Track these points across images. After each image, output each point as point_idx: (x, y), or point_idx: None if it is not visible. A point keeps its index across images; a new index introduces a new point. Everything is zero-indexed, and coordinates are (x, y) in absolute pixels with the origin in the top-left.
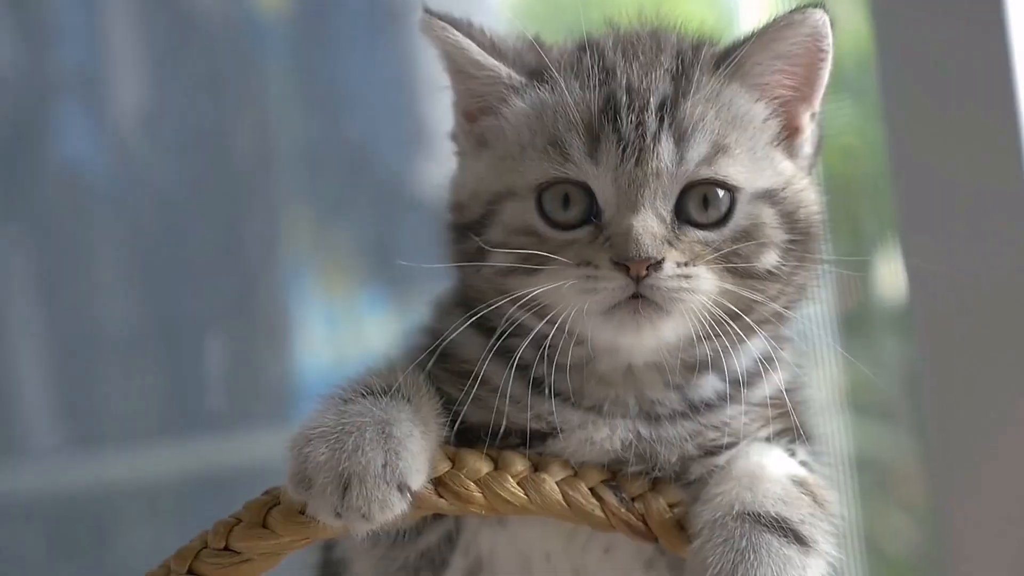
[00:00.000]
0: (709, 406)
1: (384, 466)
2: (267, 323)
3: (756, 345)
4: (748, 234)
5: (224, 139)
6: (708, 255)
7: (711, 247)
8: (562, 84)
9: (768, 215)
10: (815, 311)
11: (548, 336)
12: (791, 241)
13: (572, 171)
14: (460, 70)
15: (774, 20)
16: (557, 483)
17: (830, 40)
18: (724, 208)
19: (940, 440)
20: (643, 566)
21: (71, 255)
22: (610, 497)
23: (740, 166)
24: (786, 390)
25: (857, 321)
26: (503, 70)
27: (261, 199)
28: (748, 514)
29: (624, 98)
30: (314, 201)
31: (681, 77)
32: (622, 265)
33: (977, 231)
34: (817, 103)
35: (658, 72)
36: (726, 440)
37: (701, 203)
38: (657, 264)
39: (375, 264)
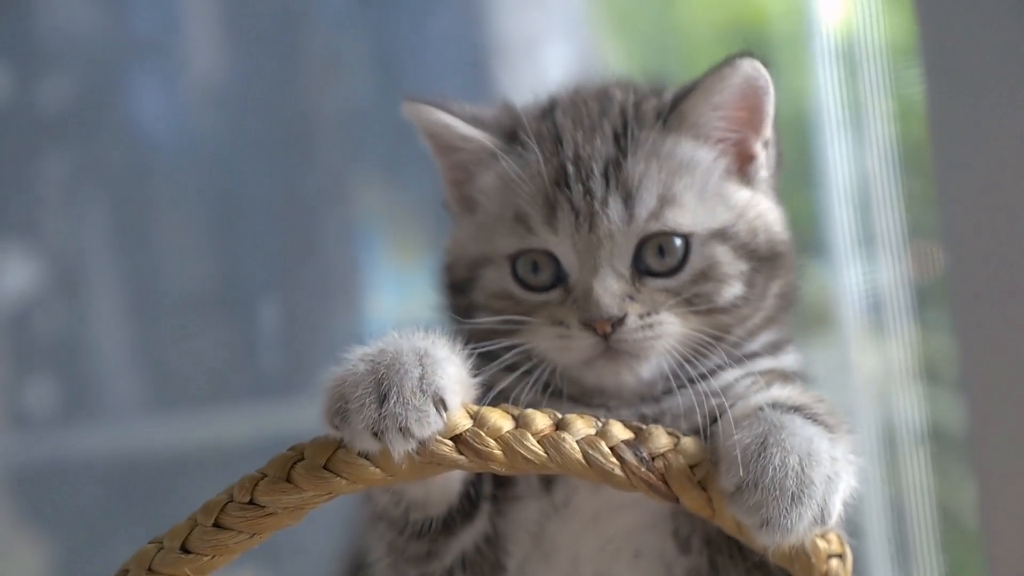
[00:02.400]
0: (705, 377)
1: (421, 379)
2: (337, 286)
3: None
4: (705, 274)
5: (294, 103)
6: (669, 301)
7: (671, 293)
8: (527, 155)
9: (722, 252)
10: (890, 282)
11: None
12: (754, 267)
13: (535, 242)
14: (447, 145)
15: (709, 73)
16: (577, 442)
17: (766, 77)
18: (679, 255)
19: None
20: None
21: (143, 217)
22: (630, 456)
23: (689, 212)
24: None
25: (935, 291)
26: (486, 138)
27: (331, 162)
28: (770, 404)
29: (572, 168)
30: (384, 165)
31: (623, 137)
32: (589, 324)
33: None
34: (767, 131)
35: (601, 136)
36: (729, 403)
37: (657, 253)
38: (620, 320)
39: (446, 227)
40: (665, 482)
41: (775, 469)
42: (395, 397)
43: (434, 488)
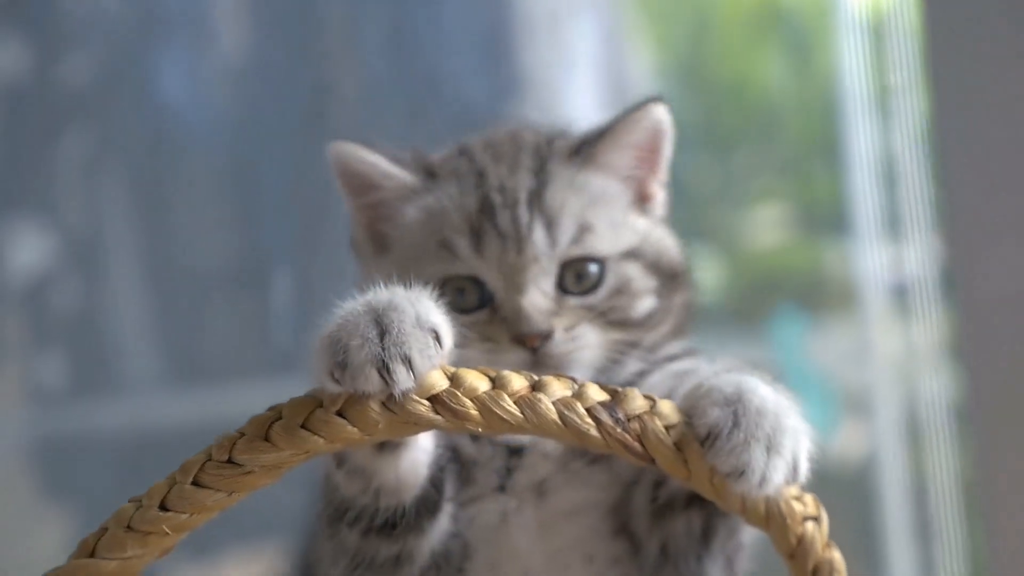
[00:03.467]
0: (632, 383)
1: (417, 316)
2: (353, 263)
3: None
4: (620, 291)
5: (313, 79)
6: (590, 316)
7: (590, 309)
8: (448, 188)
9: (634, 269)
10: (915, 263)
11: None
12: (662, 283)
13: (462, 268)
14: (368, 184)
15: (621, 116)
16: (553, 403)
17: (670, 122)
18: (596, 276)
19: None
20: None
21: (161, 192)
22: (606, 418)
23: (603, 238)
24: None
25: None
26: (409, 175)
27: (349, 138)
28: (724, 369)
29: (497, 197)
30: (401, 141)
31: (541, 171)
32: (519, 339)
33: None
34: (663, 173)
35: (522, 170)
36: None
37: (576, 276)
38: (548, 335)
39: None
40: (641, 443)
41: (754, 413)
42: (396, 329)
43: (404, 470)
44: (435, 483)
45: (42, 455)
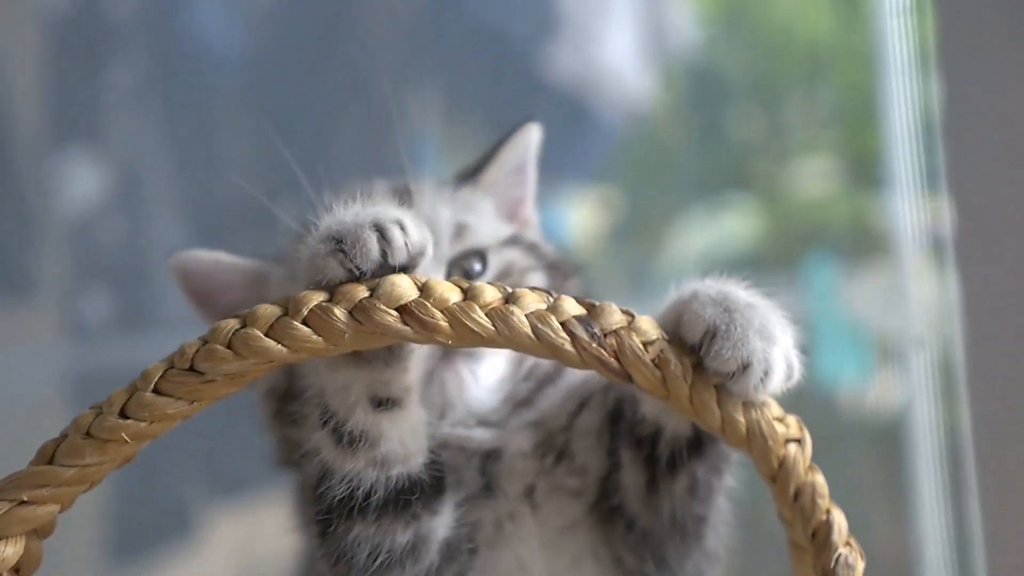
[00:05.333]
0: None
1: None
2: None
3: None
4: (506, 273)
5: (353, 18)
6: None
7: None
8: (304, 253)
9: (515, 253)
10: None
11: None
12: (546, 266)
13: None
14: (219, 284)
15: (501, 142)
16: (527, 316)
17: (537, 144)
18: (481, 266)
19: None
20: None
21: (204, 130)
22: (581, 332)
23: (480, 232)
24: None
25: None
26: (256, 263)
27: (389, 80)
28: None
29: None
30: (443, 83)
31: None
32: None
33: None
34: (531, 199)
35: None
36: None
37: (463, 273)
38: None
39: None
40: (618, 359)
41: (744, 307)
42: (383, 209)
43: (406, 433)
44: (436, 463)
45: (84, 390)
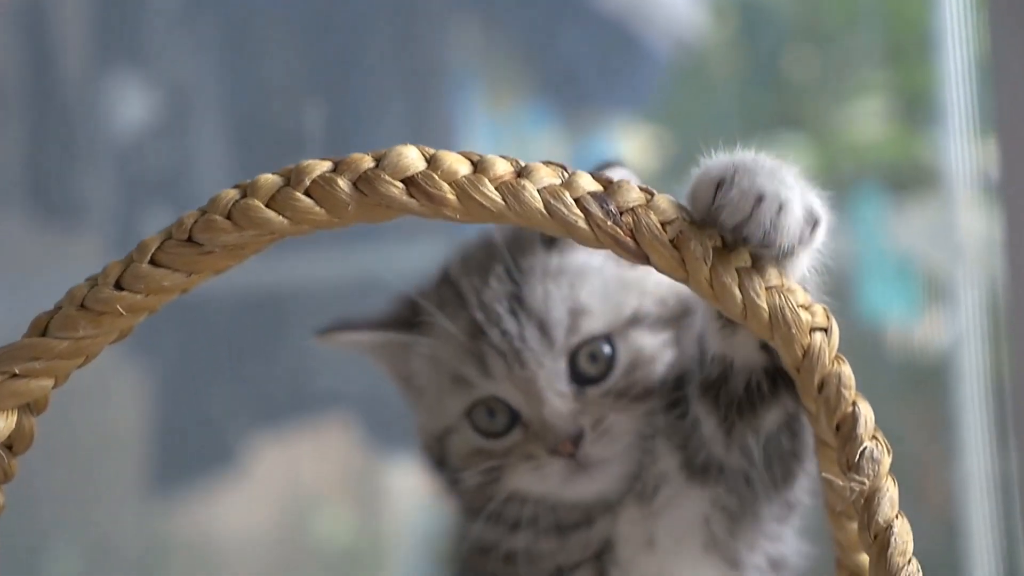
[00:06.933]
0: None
1: None
2: (430, 133)
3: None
4: (634, 365)
5: None
6: (613, 402)
7: (611, 394)
8: (437, 325)
9: (641, 336)
10: None
11: None
12: (675, 323)
13: (480, 392)
14: (374, 351)
15: None
16: (539, 191)
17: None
18: (608, 352)
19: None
20: None
21: (249, 51)
22: (596, 209)
23: (599, 315)
24: None
25: None
26: (392, 336)
27: (431, 3)
28: None
29: (480, 315)
30: (481, 6)
31: (514, 269)
32: (554, 451)
33: None
34: None
35: (495, 276)
36: None
37: (590, 357)
38: (577, 437)
39: (544, 76)
40: (634, 239)
41: (751, 161)
42: None
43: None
44: None
45: None
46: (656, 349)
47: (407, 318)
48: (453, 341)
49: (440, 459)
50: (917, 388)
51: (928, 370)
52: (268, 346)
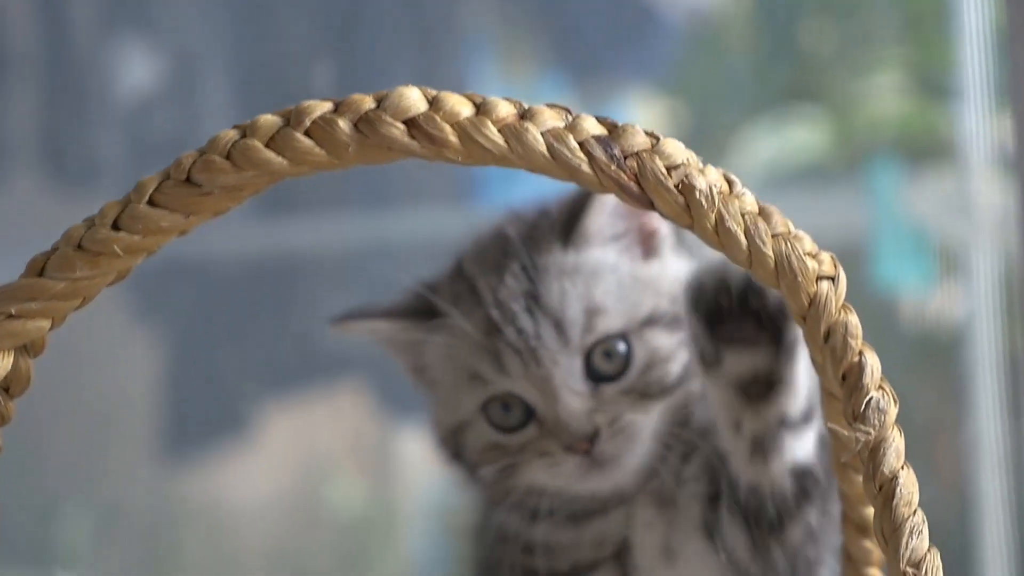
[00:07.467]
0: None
1: None
2: None
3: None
4: (650, 364)
5: None
6: (629, 401)
7: (627, 392)
8: (452, 321)
9: (657, 335)
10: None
11: None
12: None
13: (495, 388)
14: (388, 342)
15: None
16: (542, 134)
17: None
18: (623, 351)
19: None
20: None
21: (261, 16)
22: (600, 153)
23: (615, 315)
24: None
25: None
26: (408, 327)
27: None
28: None
29: (496, 313)
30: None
31: (530, 267)
32: (570, 448)
33: None
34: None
35: (510, 274)
36: None
37: (605, 355)
38: (593, 435)
39: (558, 45)
40: (638, 184)
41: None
42: None
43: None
44: None
45: (139, 280)
46: (672, 348)
47: (422, 310)
48: (468, 338)
49: (456, 453)
50: (931, 360)
51: (942, 342)
52: (280, 311)
